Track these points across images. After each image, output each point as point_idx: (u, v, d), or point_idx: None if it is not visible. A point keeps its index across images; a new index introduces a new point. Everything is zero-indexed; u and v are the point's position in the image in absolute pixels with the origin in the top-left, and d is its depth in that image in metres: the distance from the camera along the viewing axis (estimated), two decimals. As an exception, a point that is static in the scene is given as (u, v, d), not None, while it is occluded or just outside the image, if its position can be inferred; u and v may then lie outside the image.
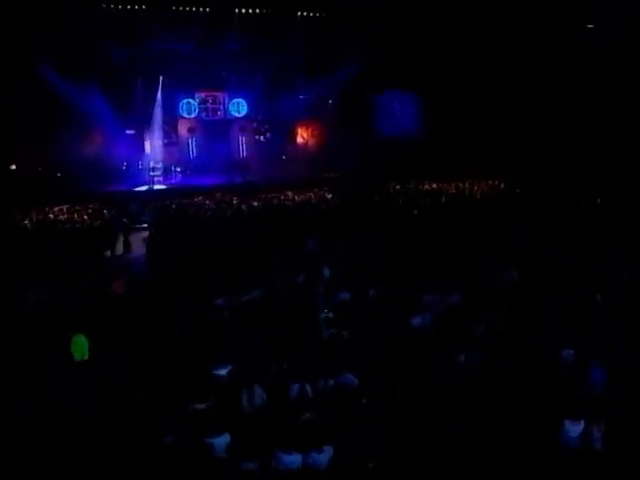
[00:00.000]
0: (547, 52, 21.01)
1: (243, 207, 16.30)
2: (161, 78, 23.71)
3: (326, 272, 8.96)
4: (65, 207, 16.97)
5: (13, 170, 21.27)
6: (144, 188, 21.82)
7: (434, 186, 20.06)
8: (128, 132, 23.94)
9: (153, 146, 24.50)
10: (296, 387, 5.14)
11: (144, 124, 24.22)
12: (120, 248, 13.86)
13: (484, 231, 11.56)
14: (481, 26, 20.87)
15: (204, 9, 20.34)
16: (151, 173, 22.62)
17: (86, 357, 6.05)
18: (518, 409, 4.99)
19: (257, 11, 21.10)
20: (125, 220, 14.78)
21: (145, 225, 15.90)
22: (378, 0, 19.98)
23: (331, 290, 7.97)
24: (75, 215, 15.65)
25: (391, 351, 5.90)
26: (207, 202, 17.15)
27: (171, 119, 25.24)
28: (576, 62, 20.69)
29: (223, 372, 5.74)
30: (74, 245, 12.09)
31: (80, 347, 6.00)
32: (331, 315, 6.83)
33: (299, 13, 21.91)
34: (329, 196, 18.05)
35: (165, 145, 24.87)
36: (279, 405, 5.01)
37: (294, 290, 7.98)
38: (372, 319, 6.66)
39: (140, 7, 19.59)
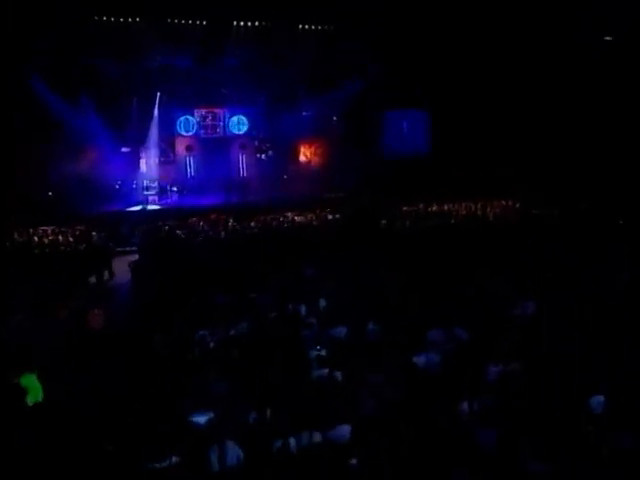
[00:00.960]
0: (562, 68, 20.73)
1: (238, 229, 15.85)
2: (158, 94, 23.57)
3: (322, 302, 8.41)
4: (50, 228, 16.58)
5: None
6: (137, 208, 21.47)
7: (444, 207, 19.56)
8: (123, 150, 23.73)
9: (149, 164, 24.25)
10: (278, 441, 4.56)
11: (140, 142, 24.00)
12: (106, 273, 13.49)
13: (498, 256, 11.03)
14: (493, 42, 20.67)
15: (201, 22, 20.17)
16: (145, 192, 22.32)
17: (39, 400, 5.50)
18: (537, 471, 4.39)
19: (256, 24, 20.93)
20: (111, 244, 14.33)
21: (135, 248, 15.51)
22: (385, 13, 19.75)
23: (326, 323, 7.43)
24: (60, 237, 15.22)
25: (391, 397, 5.30)
26: (201, 224, 16.72)
27: (168, 136, 25.02)
28: (590, 76, 20.40)
29: (202, 420, 5.19)
30: (55, 271, 11.67)
31: (33, 389, 5.47)
32: (324, 353, 6.26)
33: (300, 26, 21.72)
34: (330, 217, 17.59)
35: (161, 163, 24.61)
36: (256, 464, 4.43)
37: (284, 323, 7.41)
38: (370, 358, 6.08)
39: (134, 20, 19.45)
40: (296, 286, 9.37)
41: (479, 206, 19.51)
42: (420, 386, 5.48)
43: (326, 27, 22.05)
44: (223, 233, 15.11)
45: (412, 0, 19.10)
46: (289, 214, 18.13)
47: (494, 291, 8.45)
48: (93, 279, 12.60)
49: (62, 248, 14.10)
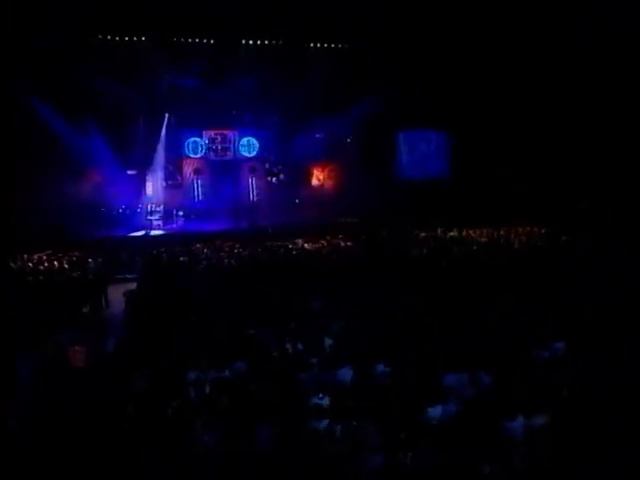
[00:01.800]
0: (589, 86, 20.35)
1: (245, 256, 15.41)
2: (166, 115, 23.56)
3: (328, 340, 7.86)
4: (46, 254, 16.31)
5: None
6: (140, 234, 21.21)
7: (464, 233, 18.99)
8: (129, 173, 23.66)
9: (155, 188, 24.15)
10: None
11: (146, 164, 23.93)
12: (102, 303, 13.15)
13: (524, 289, 10.40)
14: (516, 59, 20.40)
15: (208, 41, 20.11)
16: (149, 217, 22.08)
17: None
18: None
19: (266, 42, 20.81)
20: (108, 271, 14.00)
21: (136, 275, 15.17)
22: (400, 29, 19.54)
23: (331, 364, 6.87)
24: (56, 263, 14.91)
25: (399, 458, 4.72)
26: (205, 250, 16.32)
27: (176, 159, 24.98)
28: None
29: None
30: (46, 300, 11.29)
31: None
32: (325, 402, 5.69)
33: (312, 44, 21.56)
34: (343, 244, 17.10)
35: (168, 187, 24.54)
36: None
37: (283, 365, 6.87)
38: (377, 408, 5.51)
39: (139, 39, 19.44)
40: (300, 321, 8.86)
41: (502, 232, 18.91)
42: (434, 445, 4.88)
43: (339, 45, 21.87)
44: (227, 261, 14.66)
45: (428, 16, 18.88)
46: (299, 241, 17.67)
47: (519, 330, 7.85)
48: (86, 309, 12.20)
49: (56, 275, 13.71)
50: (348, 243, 17.26)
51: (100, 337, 9.70)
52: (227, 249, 16.47)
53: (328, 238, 17.98)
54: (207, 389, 6.42)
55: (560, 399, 5.52)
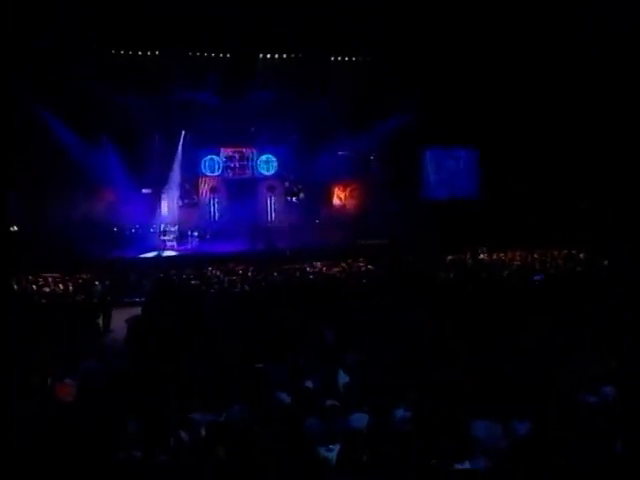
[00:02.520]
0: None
1: (259, 280, 14.96)
2: (183, 132, 23.46)
3: (343, 377, 7.26)
4: (51, 276, 16.06)
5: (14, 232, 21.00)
6: (152, 255, 20.95)
7: (494, 257, 18.32)
8: (144, 191, 23.56)
9: (170, 207, 23.99)
10: None
11: (161, 183, 23.81)
12: (103, 329, 12.80)
13: (562, 319, 9.68)
14: (547, 73, 19.95)
15: (224, 55, 19.95)
16: (162, 237, 21.84)
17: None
18: None
19: (284, 56, 20.55)
20: (110, 296, 13.65)
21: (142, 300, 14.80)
22: (425, 42, 19.18)
23: (344, 407, 6.26)
24: (61, 286, 14.63)
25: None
26: (218, 273, 15.90)
27: (192, 177, 24.84)
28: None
29: None
30: (45, 326, 10.92)
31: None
32: (334, 454, 5.07)
33: (333, 57, 21.26)
34: (364, 268, 16.54)
35: (184, 206, 24.41)
36: None
37: (291, 408, 6.28)
38: (395, 464, 4.87)
39: (153, 53, 19.37)
40: (314, 354, 8.29)
41: (536, 255, 18.21)
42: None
43: (361, 58, 21.54)
44: (240, 286, 14.20)
45: (452, 30, 18.56)
46: (318, 264, 17.16)
47: (560, 368, 7.16)
48: (86, 335, 11.78)
49: (59, 299, 13.41)
50: (369, 266, 16.70)
51: (95, 367, 9.25)
52: (241, 272, 16.02)
53: (349, 261, 17.47)
54: (202, 433, 5.88)
55: (613, 458, 4.80)
